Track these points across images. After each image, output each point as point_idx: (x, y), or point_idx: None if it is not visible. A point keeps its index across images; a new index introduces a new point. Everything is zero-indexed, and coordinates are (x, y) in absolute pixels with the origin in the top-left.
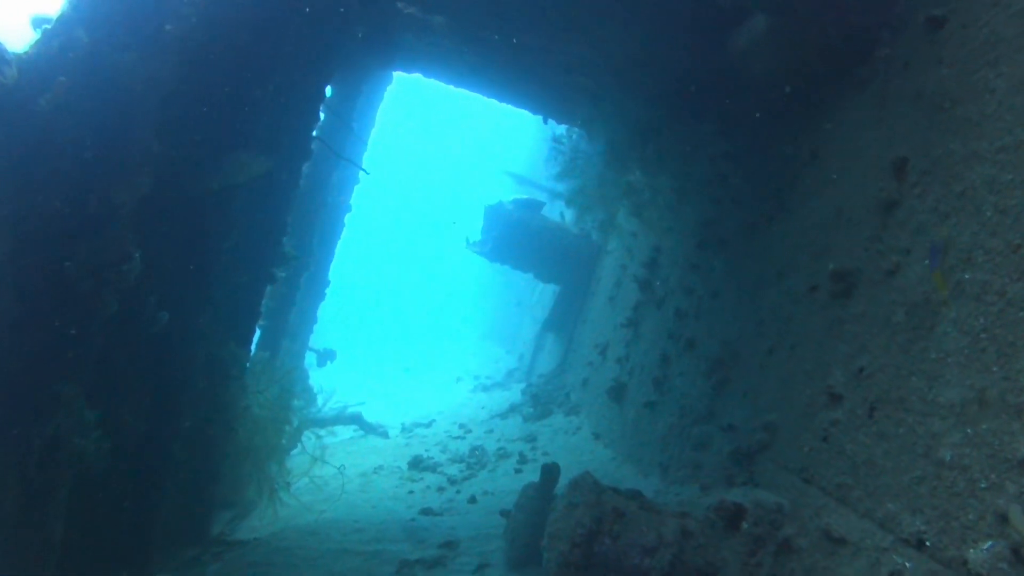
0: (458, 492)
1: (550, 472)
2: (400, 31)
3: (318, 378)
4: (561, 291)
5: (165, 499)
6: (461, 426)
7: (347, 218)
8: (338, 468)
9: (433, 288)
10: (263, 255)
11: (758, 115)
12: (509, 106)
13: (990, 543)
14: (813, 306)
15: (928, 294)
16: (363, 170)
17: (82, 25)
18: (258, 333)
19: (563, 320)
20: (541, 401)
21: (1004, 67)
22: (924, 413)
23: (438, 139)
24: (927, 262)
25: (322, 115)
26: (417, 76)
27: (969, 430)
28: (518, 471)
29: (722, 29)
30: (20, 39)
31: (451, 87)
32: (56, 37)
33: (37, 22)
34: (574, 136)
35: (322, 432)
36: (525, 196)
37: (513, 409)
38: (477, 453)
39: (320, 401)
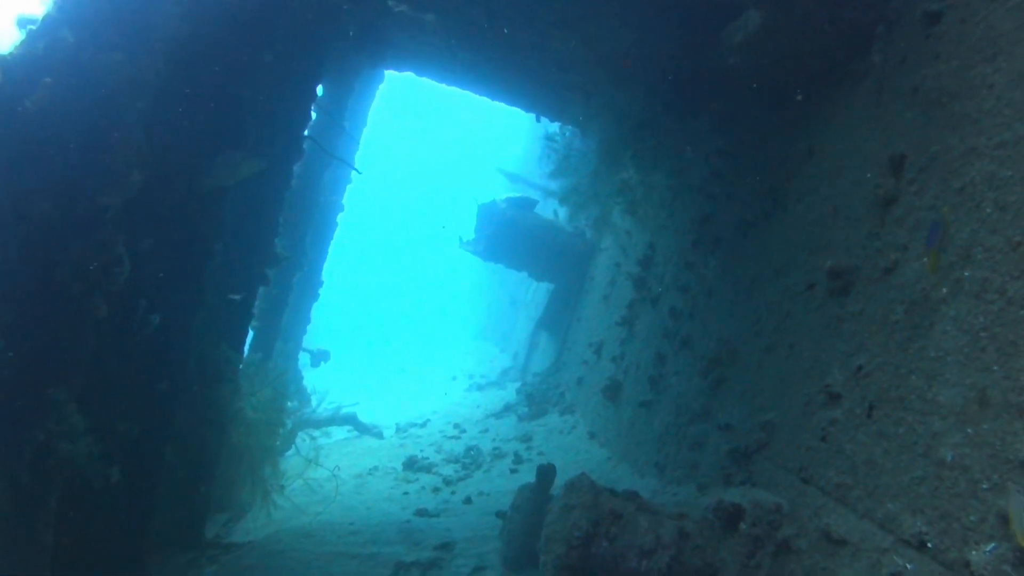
0: (453, 493)
1: (546, 473)
2: (391, 29)
3: (312, 379)
4: (555, 289)
5: (159, 503)
6: (456, 426)
7: (340, 218)
8: (333, 469)
9: (427, 287)
10: (255, 256)
11: (753, 112)
12: (502, 104)
13: (993, 545)
14: (810, 304)
15: (927, 291)
16: (355, 169)
17: (67, 25)
18: (251, 334)
19: (557, 319)
20: (536, 400)
21: (1002, 62)
22: (924, 412)
23: (431, 137)
24: (926, 259)
25: (313, 114)
26: (409, 74)
27: (970, 430)
28: (514, 471)
29: (716, 25)
30: (4, 40)
31: (443, 85)
32: (41, 38)
33: (22, 23)
34: (567, 134)
35: (316, 433)
36: (518, 194)
37: (508, 408)
38: (472, 453)
39: (314, 402)
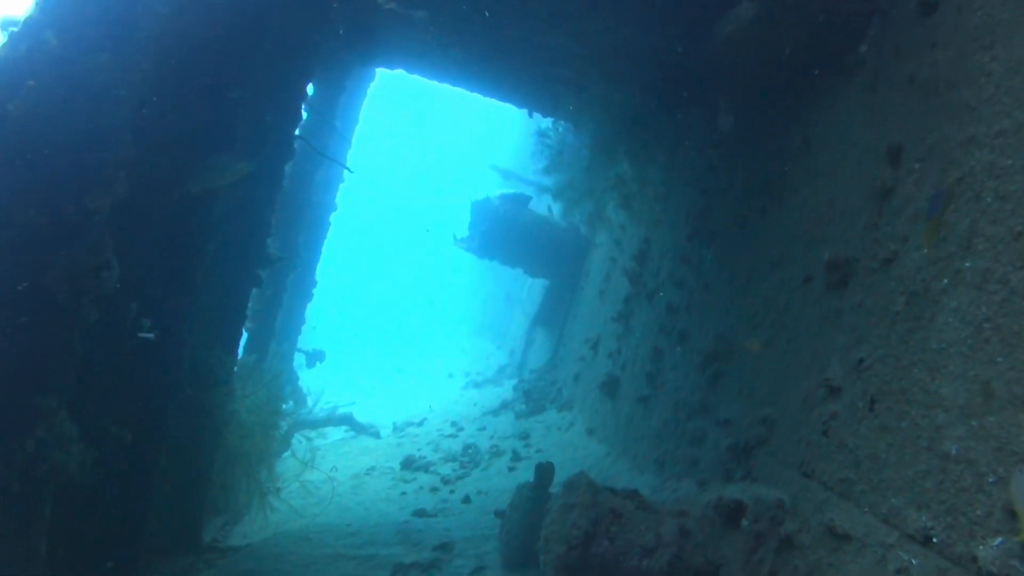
0: (452, 492)
1: (544, 471)
2: (382, 27)
3: (308, 379)
4: (551, 286)
5: (154, 508)
6: (453, 424)
7: (333, 217)
8: (330, 470)
9: (422, 285)
10: (247, 257)
11: (747, 104)
12: (494, 100)
13: (1000, 539)
14: (809, 297)
15: (928, 283)
16: (347, 168)
17: (51, 27)
18: (245, 336)
19: (553, 315)
20: (533, 397)
21: (1000, 49)
22: (927, 405)
23: (424, 135)
24: (925, 251)
25: (305, 114)
26: (400, 72)
27: (974, 423)
28: (512, 469)
29: (708, 18)
30: None
31: (435, 83)
32: (24, 40)
33: (4, 24)
34: (560, 129)
35: (313, 434)
36: (512, 191)
37: (505, 406)
38: (470, 451)
39: (310, 402)
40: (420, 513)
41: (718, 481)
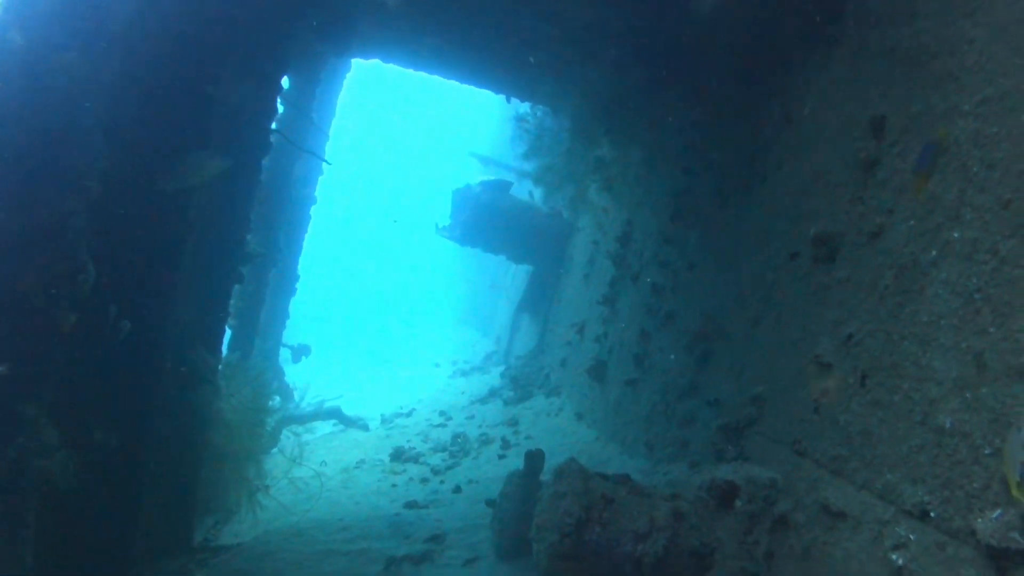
0: (442, 482)
1: (534, 459)
2: (355, 16)
3: (294, 374)
4: (534, 271)
5: (143, 511)
6: (441, 413)
7: (313, 210)
8: (319, 465)
9: (406, 275)
10: (227, 254)
11: (727, 81)
12: (471, 87)
13: (999, 511)
14: (796, 273)
15: (916, 255)
16: (325, 161)
17: (15, 26)
18: (228, 333)
19: (538, 300)
20: (521, 384)
21: (982, 16)
22: (919, 379)
23: (401, 125)
24: (912, 222)
25: (280, 107)
26: (375, 62)
27: (968, 395)
28: (502, 457)
29: None
30: None
31: (412, 72)
32: None
33: None
34: (538, 113)
35: (301, 429)
36: (492, 177)
37: (493, 393)
38: (459, 441)
39: (297, 397)
40: (411, 505)
41: (710, 462)
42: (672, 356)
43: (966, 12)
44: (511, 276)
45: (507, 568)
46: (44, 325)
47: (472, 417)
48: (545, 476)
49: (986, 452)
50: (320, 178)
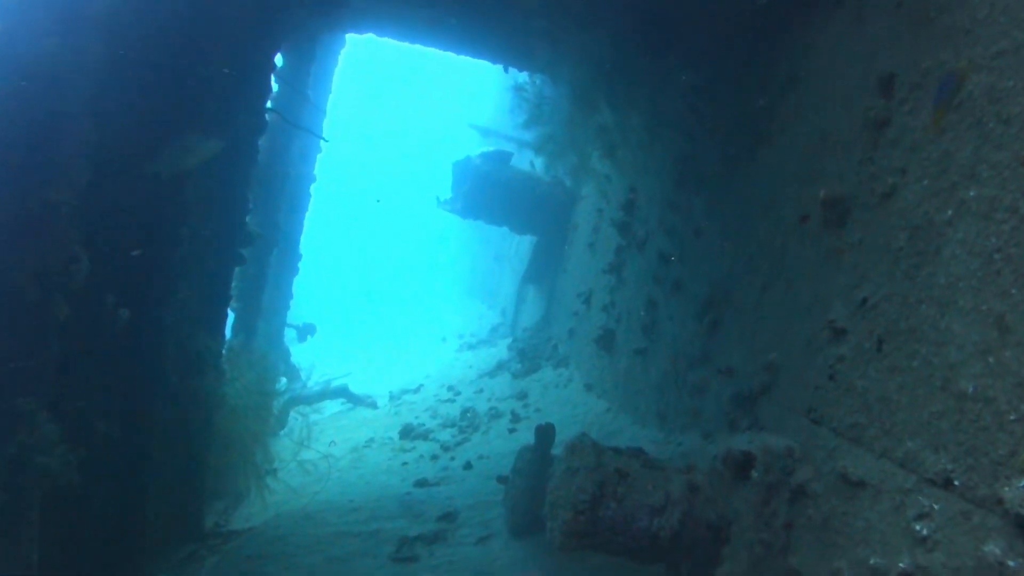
0: (452, 459)
1: (545, 433)
2: None
3: (300, 353)
4: (538, 242)
5: (150, 500)
6: (450, 388)
7: (313, 188)
8: (328, 445)
9: (410, 249)
10: (226, 237)
11: (728, 42)
12: (468, 58)
13: None
14: (805, 237)
15: (931, 215)
16: (322, 138)
17: None
18: (231, 317)
19: (543, 271)
20: (528, 356)
21: None
22: (938, 343)
23: (400, 100)
24: (926, 182)
25: (275, 86)
26: (370, 36)
27: (991, 359)
28: (512, 431)
29: None
30: None
31: (407, 45)
32: None
33: None
34: (537, 82)
35: (308, 409)
36: (492, 148)
37: (501, 366)
38: (468, 416)
39: (303, 377)
40: (422, 483)
41: (724, 432)
42: (681, 324)
43: None
44: (514, 247)
45: (521, 545)
46: (39, 318)
47: (480, 391)
48: (556, 450)
49: (1011, 418)
50: (319, 156)
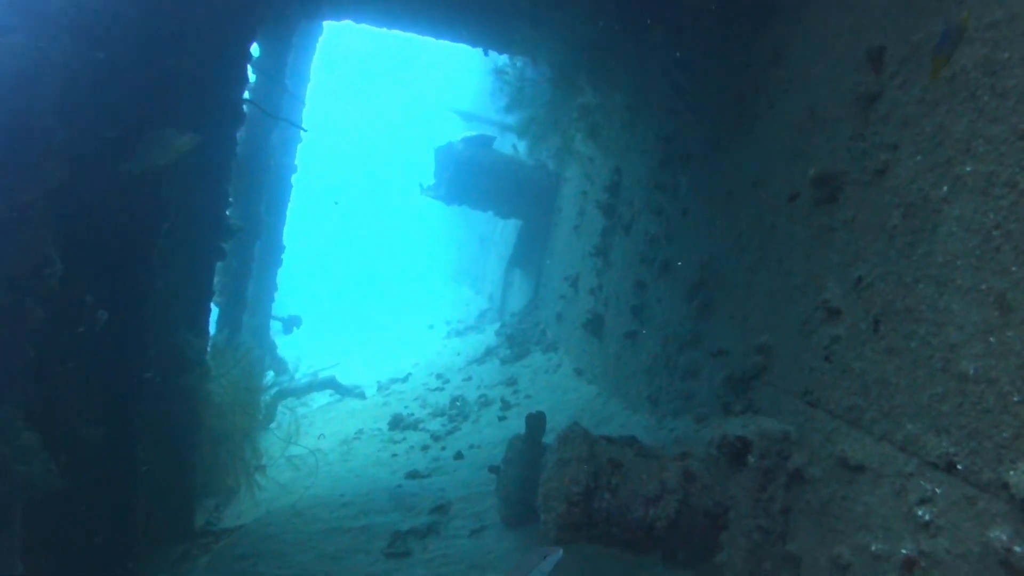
0: (443, 449)
1: (535, 422)
2: None
3: (287, 346)
4: (523, 225)
5: (140, 502)
6: (438, 376)
7: (294, 179)
8: (317, 438)
9: (394, 236)
10: (206, 232)
11: (710, 17)
12: (447, 42)
13: None
14: (796, 215)
15: (925, 192)
16: (301, 128)
17: None
18: (215, 312)
19: (529, 255)
20: (517, 341)
21: None
22: (938, 323)
23: (379, 87)
24: (919, 158)
25: (252, 76)
26: (348, 23)
27: (992, 339)
28: (502, 418)
29: None
30: None
31: (385, 30)
32: None
33: None
34: (518, 64)
35: (297, 402)
36: (474, 133)
37: (489, 352)
38: (458, 404)
39: (291, 369)
40: (413, 475)
41: (717, 416)
42: (671, 306)
43: None
44: (500, 231)
45: (515, 537)
46: (11, 325)
47: (469, 379)
48: (548, 437)
49: (1015, 400)
50: (299, 146)
